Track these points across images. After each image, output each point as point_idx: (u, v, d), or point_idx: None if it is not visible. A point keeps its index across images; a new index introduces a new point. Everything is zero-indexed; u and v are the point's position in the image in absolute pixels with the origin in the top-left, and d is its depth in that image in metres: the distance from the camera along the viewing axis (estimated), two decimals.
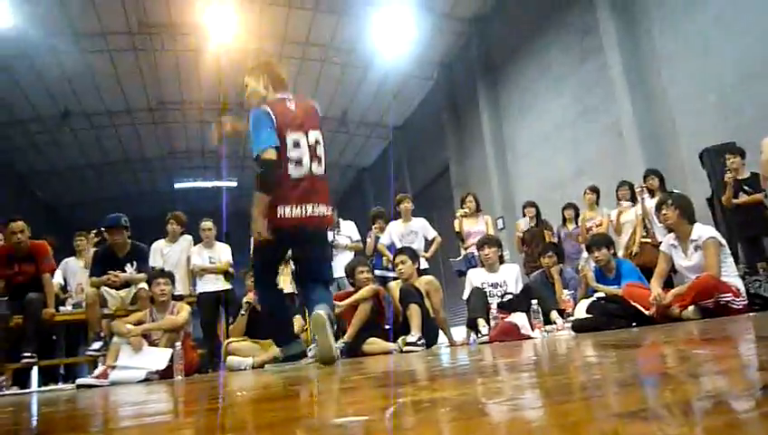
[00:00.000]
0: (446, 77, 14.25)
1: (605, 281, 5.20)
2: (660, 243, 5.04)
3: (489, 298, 5.42)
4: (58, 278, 6.74)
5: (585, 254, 6.23)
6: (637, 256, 6.34)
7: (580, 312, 4.90)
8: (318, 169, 3.63)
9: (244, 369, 5.11)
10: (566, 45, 9.92)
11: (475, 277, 5.65)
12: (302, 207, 3.51)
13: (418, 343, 4.84)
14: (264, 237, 3.42)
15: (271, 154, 3.38)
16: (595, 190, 7.36)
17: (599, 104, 9.17)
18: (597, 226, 7.04)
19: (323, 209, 3.63)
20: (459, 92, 13.82)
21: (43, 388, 5.88)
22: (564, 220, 7.60)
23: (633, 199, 6.81)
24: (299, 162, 3.52)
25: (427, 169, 15.88)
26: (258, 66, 3.88)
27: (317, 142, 3.66)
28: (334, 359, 3.30)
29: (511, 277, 5.61)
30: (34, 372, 6.09)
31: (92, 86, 13.55)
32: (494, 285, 5.55)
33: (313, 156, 3.59)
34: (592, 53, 9.17)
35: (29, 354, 5.43)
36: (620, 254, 6.45)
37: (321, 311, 3.32)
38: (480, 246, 5.82)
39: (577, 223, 7.38)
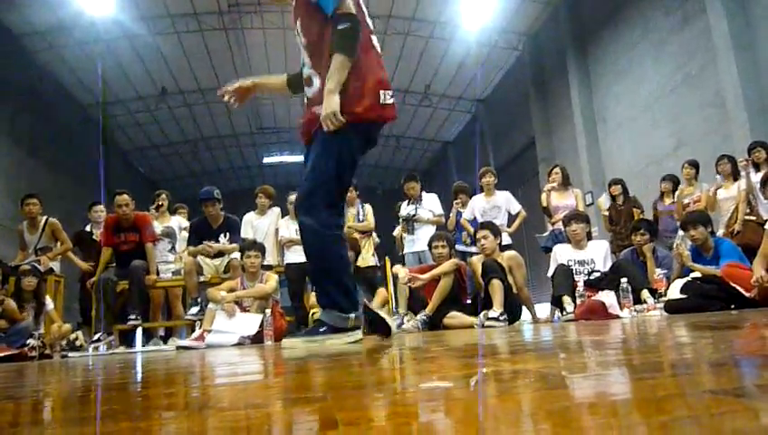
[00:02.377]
0: (533, 47, 13.79)
1: (702, 261, 4.92)
2: (766, 221, 4.71)
3: (576, 276, 5.28)
4: None
5: (681, 232, 5.91)
6: (739, 234, 5.94)
7: (674, 292, 4.68)
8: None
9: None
10: (666, 7, 9.30)
11: (562, 254, 5.51)
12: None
13: (500, 318, 4.81)
14: (340, 124, 2.52)
15: (350, 7, 2.62)
16: (694, 165, 6.93)
17: (700, 72, 8.58)
18: (695, 202, 6.65)
19: None
20: (546, 62, 13.35)
21: (146, 348, 6.34)
22: (662, 194, 7.19)
23: (735, 175, 6.37)
24: (372, 32, 2.79)
25: (512, 144, 15.53)
26: None
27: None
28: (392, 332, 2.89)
29: (599, 255, 5.43)
30: (138, 332, 6.56)
31: (186, 65, 14.21)
32: (582, 263, 5.40)
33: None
34: (694, 16, 8.56)
35: (134, 317, 5.86)
36: (720, 232, 6.07)
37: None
38: (567, 221, 5.66)
39: (675, 197, 6.99)
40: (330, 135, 2.56)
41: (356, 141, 2.68)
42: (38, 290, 5.94)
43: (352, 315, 2.66)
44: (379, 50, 2.76)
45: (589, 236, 5.65)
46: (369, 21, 2.82)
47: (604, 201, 7.40)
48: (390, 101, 2.66)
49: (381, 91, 2.62)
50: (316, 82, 2.70)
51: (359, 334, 2.70)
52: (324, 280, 2.73)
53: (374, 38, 2.75)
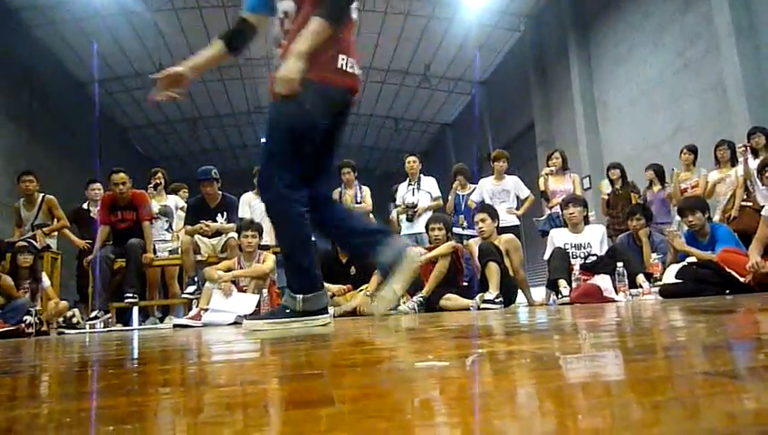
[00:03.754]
0: (534, 29, 13.68)
1: (697, 246, 4.94)
2: (762, 207, 4.72)
3: (572, 259, 5.30)
4: None
5: (678, 217, 5.92)
6: (735, 220, 5.96)
7: (669, 277, 4.70)
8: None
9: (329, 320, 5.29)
10: None
11: (558, 237, 5.53)
12: (357, 65, 2.55)
13: (496, 301, 4.84)
14: (294, 90, 2.31)
15: None
16: (693, 150, 6.92)
17: (701, 58, 8.53)
18: (692, 187, 6.65)
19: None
20: (547, 45, 13.26)
21: (143, 326, 6.37)
22: (650, 182, 7.20)
23: (733, 161, 6.37)
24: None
25: (511, 126, 15.48)
26: None
27: None
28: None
29: (595, 239, 5.45)
30: (135, 310, 6.58)
31: (184, 42, 14.06)
32: (578, 246, 5.42)
33: None
34: (696, 1, 8.49)
35: (131, 295, 5.87)
36: (716, 218, 6.09)
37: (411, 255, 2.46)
38: (565, 204, 5.67)
39: (663, 185, 7.00)
40: (283, 99, 2.36)
41: (316, 105, 2.42)
42: (34, 267, 5.94)
43: (299, 297, 2.50)
44: (354, 17, 2.56)
45: (586, 221, 5.67)
46: None
47: (606, 185, 7.39)
48: (352, 69, 2.49)
49: (340, 55, 2.44)
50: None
51: (326, 318, 2.60)
52: (286, 259, 2.58)
53: (354, 5, 2.53)
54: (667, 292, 4.44)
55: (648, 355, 0.95)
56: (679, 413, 0.51)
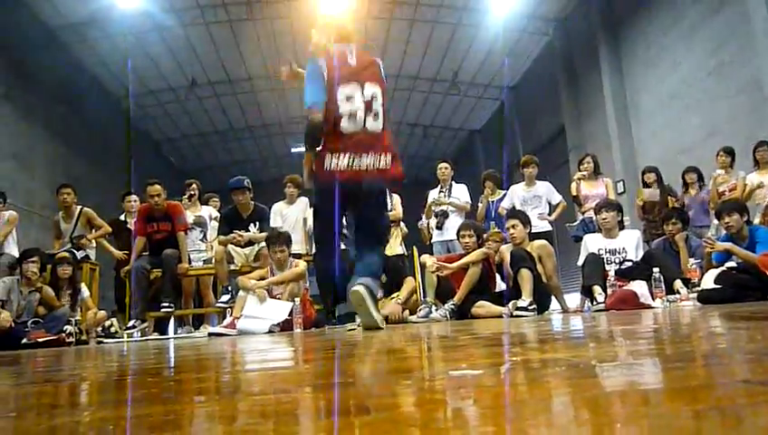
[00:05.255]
0: (562, 33, 13.54)
1: None
2: None
3: (607, 265, 5.20)
4: None
5: (716, 221, 5.77)
6: None
7: (708, 282, 4.58)
8: (374, 125, 3.39)
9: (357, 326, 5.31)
10: None
11: (592, 243, 5.44)
12: (353, 159, 3.29)
13: (529, 308, 4.77)
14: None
15: (315, 113, 3.26)
16: (729, 152, 6.74)
17: (735, 58, 8.33)
18: (730, 190, 6.48)
19: (379, 161, 3.34)
20: (576, 49, 13.10)
21: (178, 334, 6.47)
22: (686, 186, 7.03)
23: None
24: (352, 116, 3.33)
25: (541, 132, 15.33)
26: (326, 20, 3.76)
27: (373, 97, 3.41)
28: (381, 328, 3.22)
29: (631, 244, 5.34)
30: (171, 319, 6.69)
31: (215, 56, 14.32)
32: (613, 252, 5.32)
33: (368, 110, 3.37)
34: (729, 1, 8.31)
35: (166, 304, 5.98)
36: (756, 221, 5.91)
37: (357, 288, 3.14)
38: (598, 210, 5.57)
39: (700, 187, 6.83)
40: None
41: (316, 195, 3.53)
42: (73, 278, 6.10)
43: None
44: (344, 125, 3.33)
45: (621, 226, 5.56)
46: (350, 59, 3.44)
47: (647, 193, 7.16)
48: (336, 166, 3.27)
49: (327, 155, 3.28)
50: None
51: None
52: None
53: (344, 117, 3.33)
54: (706, 298, 4.32)
55: (686, 363, 0.93)
56: (719, 423, 0.49)
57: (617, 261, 5.23)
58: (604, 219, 5.42)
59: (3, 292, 5.56)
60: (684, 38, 9.53)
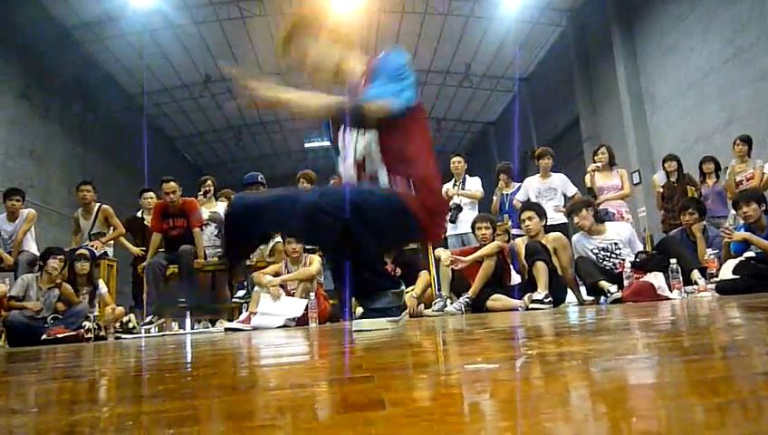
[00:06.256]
0: (576, 23, 13.42)
1: None
2: None
3: (603, 263, 5.17)
4: None
5: (733, 211, 5.69)
6: None
7: (726, 273, 4.52)
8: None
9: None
10: None
11: (581, 244, 5.36)
12: None
13: (545, 300, 4.75)
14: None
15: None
16: (746, 141, 6.65)
17: (753, 45, 8.20)
18: (748, 179, 6.39)
19: None
20: (590, 38, 12.98)
21: (195, 329, 6.53)
22: (704, 176, 6.94)
23: None
24: None
25: (555, 123, 15.22)
26: (315, 21, 2.62)
27: None
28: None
29: (623, 238, 5.25)
30: (188, 315, 6.76)
31: (229, 52, 14.37)
32: (605, 250, 5.26)
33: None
34: None
35: (183, 300, 6.04)
36: None
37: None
38: (567, 214, 5.49)
39: (718, 178, 6.74)
40: None
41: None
42: (91, 274, 6.18)
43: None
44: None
45: (599, 219, 5.44)
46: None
47: (659, 178, 7.16)
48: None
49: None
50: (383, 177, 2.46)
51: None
52: None
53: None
54: (725, 289, 4.28)
55: (705, 355, 0.92)
56: (740, 416, 0.49)
57: (613, 258, 5.18)
58: (576, 223, 5.38)
59: (20, 289, 5.65)
60: (700, 25, 9.40)
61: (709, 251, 4.96)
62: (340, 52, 2.58)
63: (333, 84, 2.61)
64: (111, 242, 7.23)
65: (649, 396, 0.61)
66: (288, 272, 5.67)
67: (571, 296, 5.52)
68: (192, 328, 6.77)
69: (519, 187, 7.07)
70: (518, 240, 5.61)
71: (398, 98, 2.34)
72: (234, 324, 5.39)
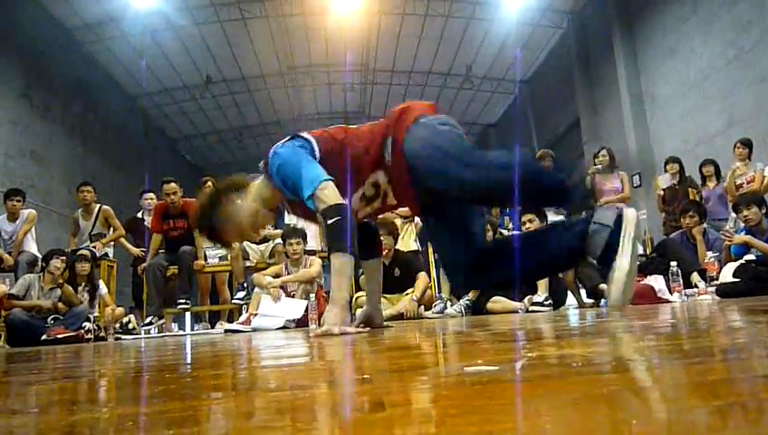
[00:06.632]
0: (577, 24, 13.43)
1: None
2: None
3: None
4: None
5: (734, 214, 5.69)
6: None
7: (727, 276, 4.53)
8: None
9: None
10: None
11: None
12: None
13: (545, 303, 4.76)
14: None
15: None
16: (747, 144, 6.65)
17: (754, 47, 8.20)
18: (748, 182, 6.39)
19: None
20: (591, 40, 12.99)
21: (195, 330, 6.54)
22: (704, 179, 6.94)
23: None
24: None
25: (556, 124, 15.23)
26: (223, 187, 2.89)
27: None
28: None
29: None
30: (188, 316, 6.76)
31: (230, 54, 14.38)
32: None
33: None
34: None
35: (183, 301, 6.04)
36: None
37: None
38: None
39: (719, 180, 6.74)
40: None
41: None
42: (91, 275, 6.18)
43: None
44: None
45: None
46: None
47: (663, 181, 7.14)
48: None
49: None
50: None
51: None
52: None
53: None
54: (725, 292, 4.28)
55: (705, 358, 0.92)
56: (740, 419, 0.49)
57: None
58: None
59: (21, 288, 5.65)
60: (702, 26, 9.40)
61: (709, 254, 4.96)
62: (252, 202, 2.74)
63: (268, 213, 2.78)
64: (112, 243, 7.23)
65: (650, 398, 0.61)
66: (288, 273, 5.67)
67: (571, 299, 5.52)
68: (192, 329, 6.77)
69: None
70: None
71: (319, 175, 2.39)
72: (234, 326, 5.40)
